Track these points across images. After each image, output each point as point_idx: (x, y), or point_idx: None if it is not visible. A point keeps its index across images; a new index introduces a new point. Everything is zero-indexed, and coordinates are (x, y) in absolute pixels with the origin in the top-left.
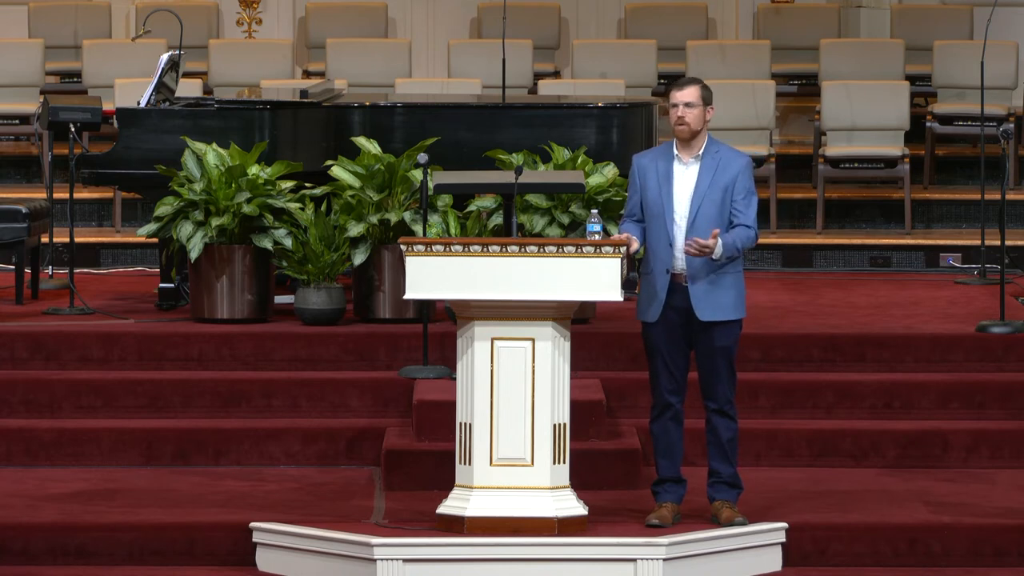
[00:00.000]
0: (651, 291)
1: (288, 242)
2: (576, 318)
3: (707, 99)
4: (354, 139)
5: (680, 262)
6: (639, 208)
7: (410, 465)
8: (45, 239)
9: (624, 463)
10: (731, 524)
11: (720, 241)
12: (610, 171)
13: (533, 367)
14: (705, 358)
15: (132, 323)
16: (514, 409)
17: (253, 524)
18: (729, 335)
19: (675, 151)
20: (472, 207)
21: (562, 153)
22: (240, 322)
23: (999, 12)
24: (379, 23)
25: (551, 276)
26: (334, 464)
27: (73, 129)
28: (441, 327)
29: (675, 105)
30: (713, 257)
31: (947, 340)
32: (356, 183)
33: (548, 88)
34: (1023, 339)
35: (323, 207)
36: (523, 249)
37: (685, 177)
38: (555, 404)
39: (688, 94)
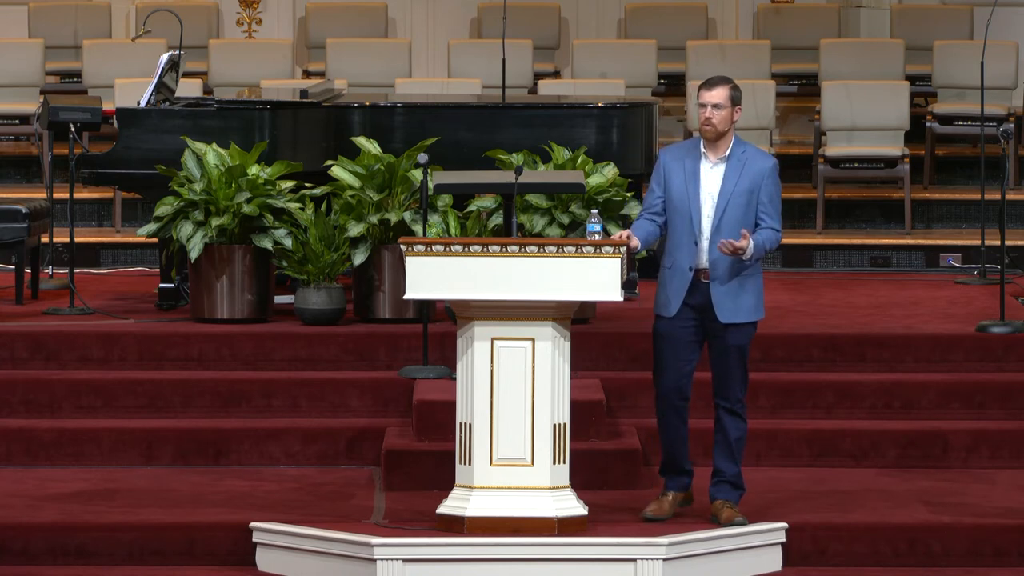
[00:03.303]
0: (671, 286)
1: (288, 242)
2: (576, 318)
3: (736, 99)
4: (354, 139)
5: (704, 260)
6: (660, 204)
7: (410, 465)
8: (45, 239)
9: (624, 463)
10: (731, 524)
11: (751, 242)
12: (610, 171)
13: (533, 367)
14: (719, 356)
15: (132, 323)
16: (514, 409)
17: (253, 524)
18: (744, 335)
19: (702, 149)
20: (472, 207)
21: (562, 153)
22: (240, 322)
23: (999, 12)
24: (379, 23)
25: (551, 276)
26: (334, 464)
27: (73, 129)
28: (441, 327)
29: (703, 105)
30: (744, 258)
31: (947, 340)
32: (356, 183)
33: (548, 88)
34: (1023, 339)
35: (323, 207)
36: (523, 249)
37: (711, 177)
38: (555, 404)
39: (717, 95)
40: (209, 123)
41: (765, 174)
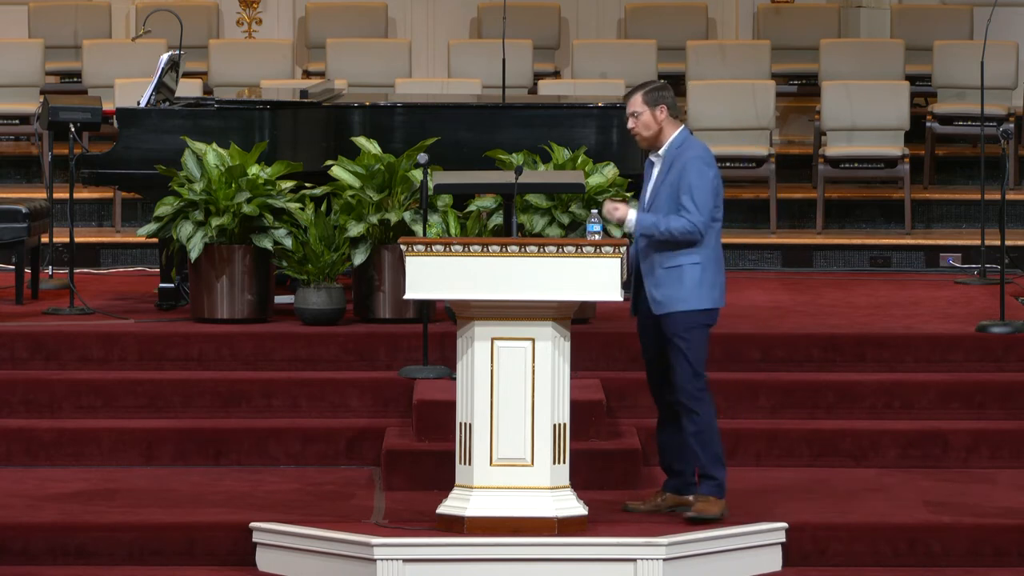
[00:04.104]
0: (634, 286)
1: (288, 242)
2: (576, 318)
3: (653, 100)
4: (354, 139)
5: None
6: None
7: (410, 465)
8: (45, 239)
9: (624, 463)
10: (699, 516)
11: (633, 214)
12: (610, 171)
13: (533, 367)
14: (663, 349)
15: (132, 323)
16: (514, 409)
17: (253, 524)
18: (677, 324)
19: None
20: (472, 207)
21: (562, 153)
22: (240, 322)
23: (999, 12)
24: (379, 23)
25: (551, 276)
26: (334, 464)
27: (73, 129)
28: (441, 327)
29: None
30: (625, 228)
31: (947, 340)
32: (356, 183)
33: (548, 88)
34: (1023, 339)
35: (323, 207)
36: (523, 249)
37: (652, 176)
38: (555, 404)
39: (632, 104)
40: (209, 123)
41: (684, 165)
